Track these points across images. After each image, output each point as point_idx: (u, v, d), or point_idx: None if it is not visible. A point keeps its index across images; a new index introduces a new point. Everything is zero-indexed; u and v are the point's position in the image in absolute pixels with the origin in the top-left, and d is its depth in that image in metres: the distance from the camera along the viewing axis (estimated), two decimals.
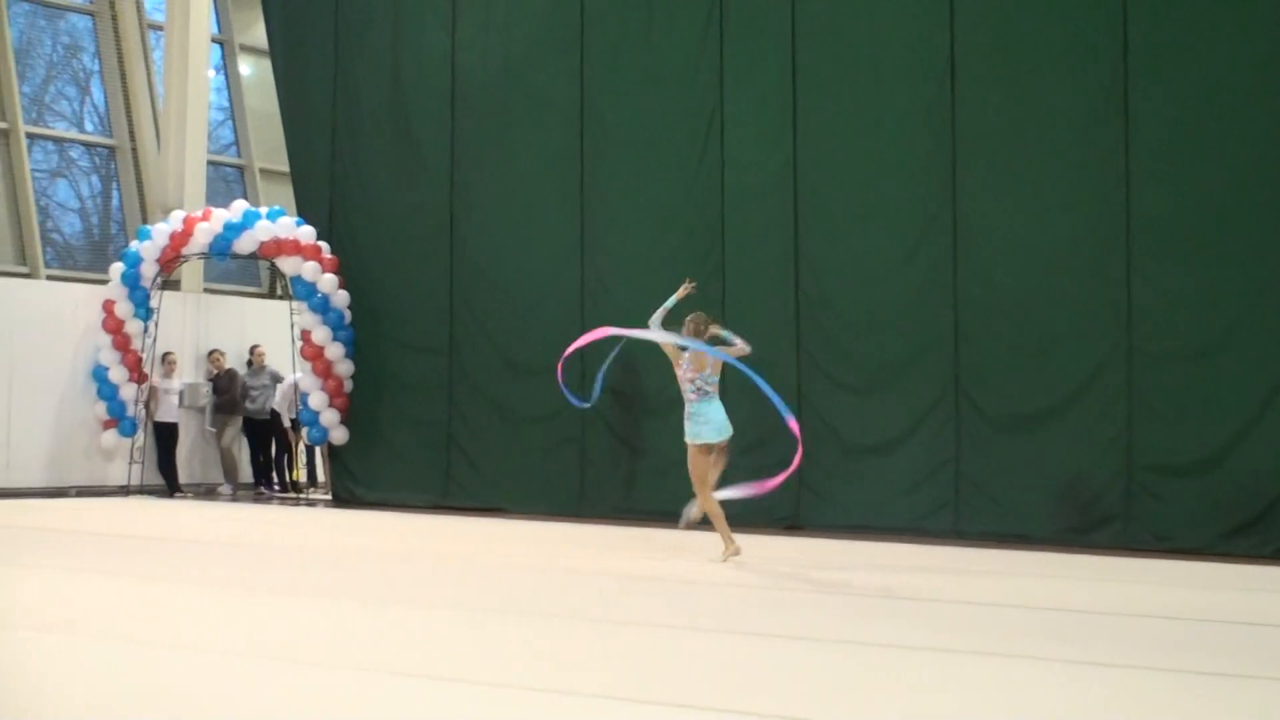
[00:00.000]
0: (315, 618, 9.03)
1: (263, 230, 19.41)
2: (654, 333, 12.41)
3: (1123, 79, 14.31)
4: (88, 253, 22.39)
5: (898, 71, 15.61)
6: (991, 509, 14.82)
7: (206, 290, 22.05)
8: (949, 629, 8.89)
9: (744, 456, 15.98)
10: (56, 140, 22.26)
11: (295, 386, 20.17)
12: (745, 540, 12.82)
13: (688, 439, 12.42)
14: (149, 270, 19.80)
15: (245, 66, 24.61)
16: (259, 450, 21.14)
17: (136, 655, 7.52)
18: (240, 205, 20.00)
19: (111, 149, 22.57)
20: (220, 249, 19.73)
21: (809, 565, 12.37)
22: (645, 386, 16.75)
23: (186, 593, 10.10)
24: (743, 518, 15.43)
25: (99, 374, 19.75)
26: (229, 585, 10.58)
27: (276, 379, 20.93)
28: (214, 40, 23.32)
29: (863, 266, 15.71)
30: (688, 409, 12.40)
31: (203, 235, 19.52)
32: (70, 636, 8.04)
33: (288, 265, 19.45)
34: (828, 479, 15.69)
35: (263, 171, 24.19)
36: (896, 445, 15.32)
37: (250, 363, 21.08)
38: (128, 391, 19.81)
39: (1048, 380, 14.61)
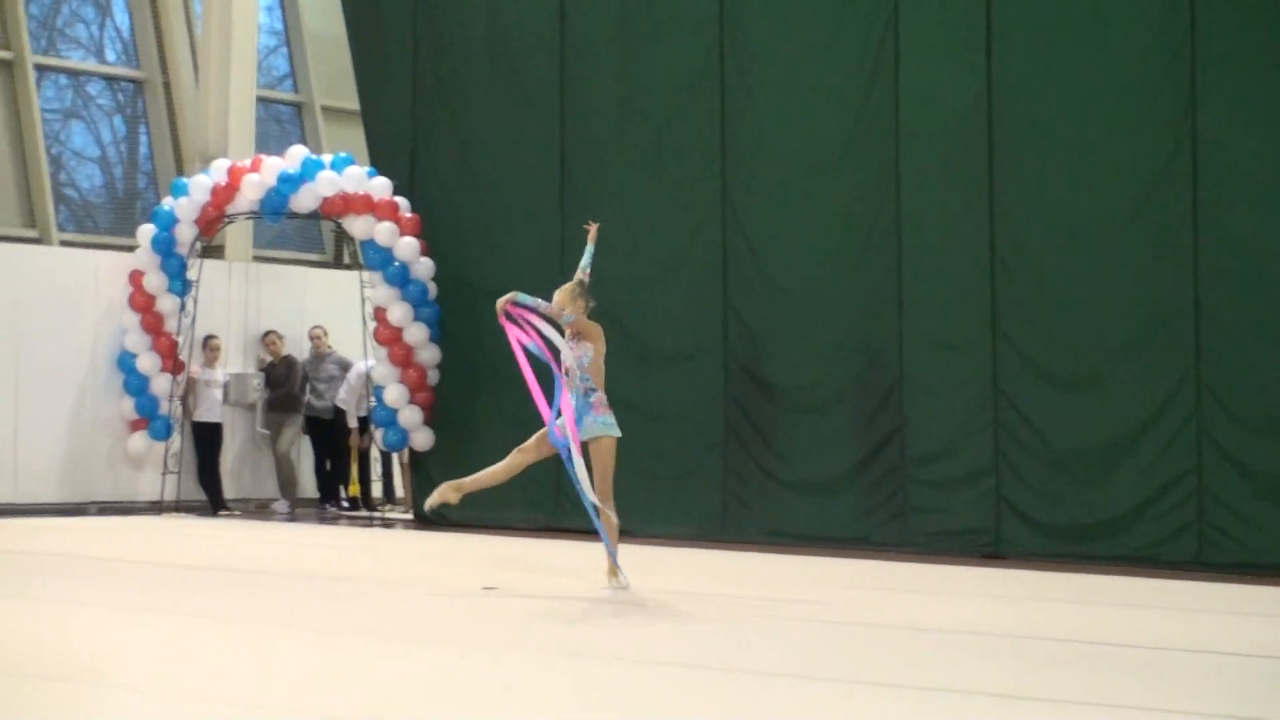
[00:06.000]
0: (381, 667, 9.09)
1: (326, 183, 19.57)
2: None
3: None
4: (110, 212, 22.77)
5: None
6: (1244, 533, 14.68)
7: (256, 258, 22.32)
8: (1175, 685, 8.86)
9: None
10: (71, 73, 22.63)
11: (366, 378, 20.27)
12: (932, 570, 12.73)
13: (615, 433, 12.96)
14: (186, 234, 20.03)
15: None
16: (324, 457, 21.32)
17: (164, 710, 7.67)
18: (298, 152, 20.16)
19: (138, 83, 22.92)
20: (274, 207, 19.93)
21: (1009, 600, 12.36)
22: (784, 384, 16.92)
23: (226, 633, 10.27)
24: (933, 545, 15.46)
25: (125, 363, 20.03)
26: (282, 626, 10.72)
27: (345, 368, 21.05)
28: None
29: (1076, 226, 15.60)
30: (603, 396, 12.95)
31: (251, 190, 19.73)
32: (87, 686, 8.19)
33: (357, 227, 19.63)
34: (1033, 496, 15.60)
35: (325, 110, 24.45)
36: (1121, 453, 15.19)
37: (312, 348, 21.24)
38: (160, 385, 20.06)
39: None
